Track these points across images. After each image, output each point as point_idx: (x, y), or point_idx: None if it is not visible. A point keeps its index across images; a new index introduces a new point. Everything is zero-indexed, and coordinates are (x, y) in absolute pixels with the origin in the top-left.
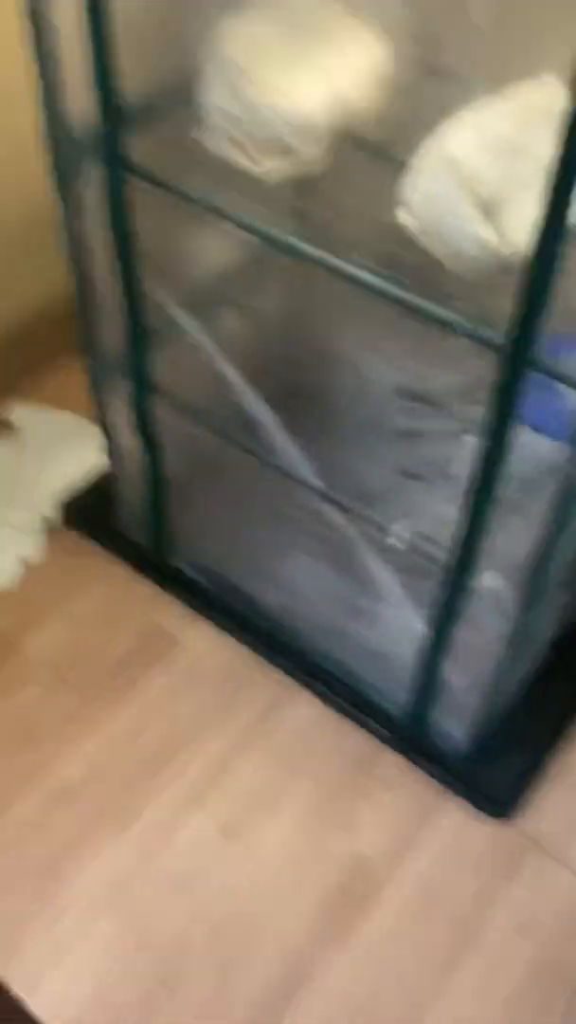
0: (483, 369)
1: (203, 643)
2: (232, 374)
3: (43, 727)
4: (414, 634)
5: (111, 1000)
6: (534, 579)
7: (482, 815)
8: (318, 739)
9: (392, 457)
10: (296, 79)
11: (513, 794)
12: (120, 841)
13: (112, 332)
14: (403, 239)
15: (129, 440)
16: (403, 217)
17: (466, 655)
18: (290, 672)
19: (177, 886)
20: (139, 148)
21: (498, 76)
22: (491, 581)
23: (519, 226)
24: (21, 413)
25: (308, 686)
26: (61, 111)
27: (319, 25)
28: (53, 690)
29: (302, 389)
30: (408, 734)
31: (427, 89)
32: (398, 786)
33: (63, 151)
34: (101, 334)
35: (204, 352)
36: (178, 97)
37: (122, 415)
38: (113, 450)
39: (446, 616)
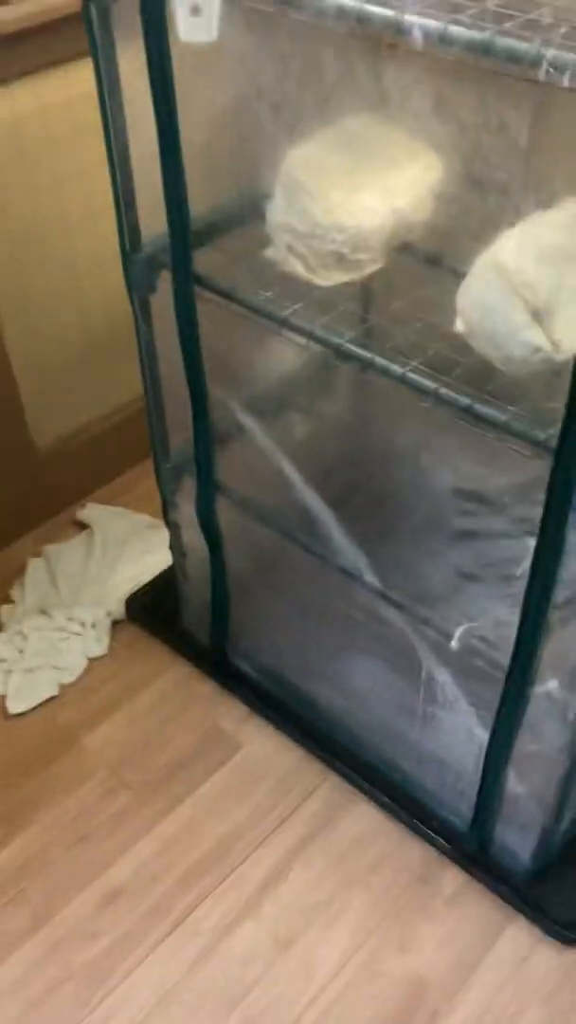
0: (538, 470)
1: (261, 745)
2: (293, 474)
3: (99, 827)
4: (475, 741)
5: None
6: None
7: (548, 939)
8: (377, 850)
9: (450, 558)
10: (356, 196)
11: None
12: (170, 947)
13: (179, 434)
14: (460, 345)
15: (193, 538)
16: (458, 324)
17: (529, 765)
18: (349, 778)
19: (227, 997)
20: (208, 262)
21: (547, 189)
22: (551, 686)
23: (571, 331)
24: (94, 513)
25: (367, 793)
26: (136, 229)
27: (377, 145)
28: (111, 789)
29: (362, 490)
30: (471, 849)
31: (479, 203)
32: (460, 904)
33: (138, 265)
34: (169, 436)
35: (267, 453)
36: (246, 215)
37: (187, 514)
38: (178, 548)
39: (506, 722)
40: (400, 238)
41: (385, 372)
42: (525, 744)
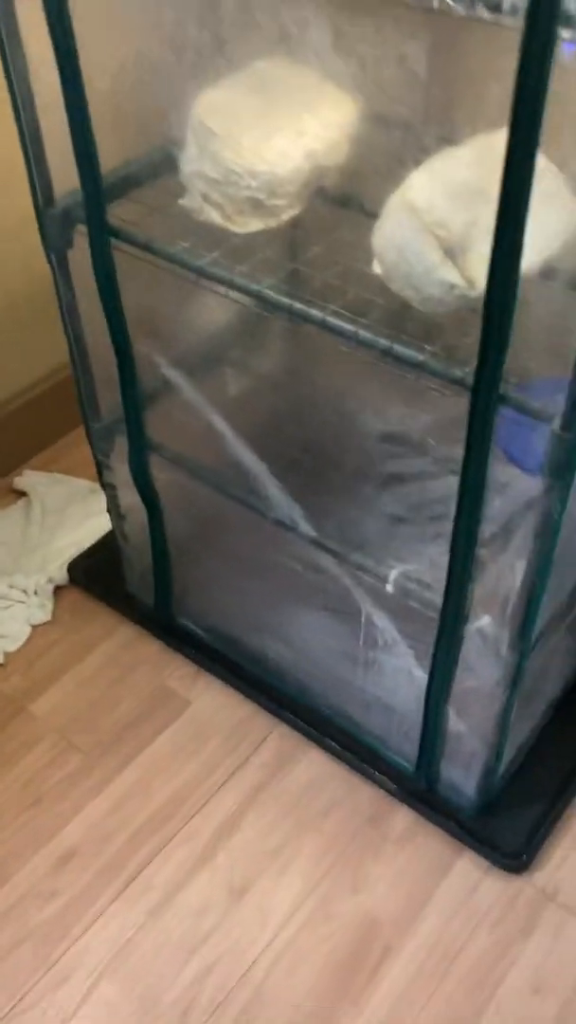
0: (459, 408)
1: (210, 700)
2: (226, 429)
3: (51, 790)
4: (416, 683)
5: None
6: (524, 618)
7: (496, 870)
8: (328, 795)
9: (381, 503)
10: (268, 141)
11: (527, 847)
12: (125, 902)
13: (108, 394)
14: (379, 287)
15: (131, 500)
16: (375, 266)
17: (468, 702)
18: (298, 727)
19: (184, 948)
20: (124, 214)
21: (448, 123)
22: (483, 623)
23: (485, 268)
24: (31, 479)
25: (316, 741)
26: (47, 183)
27: (290, 88)
28: (60, 752)
29: (294, 442)
30: (418, 788)
31: (389, 142)
32: (410, 842)
33: (52, 221)
34: (99, 396)
35: (199, 409)
36: (160, 165)
37: (123, 475)
38: (115, 510)
39: (443, 661)
40: (317, 182)
41: (305, 317)
42: (463, 682)
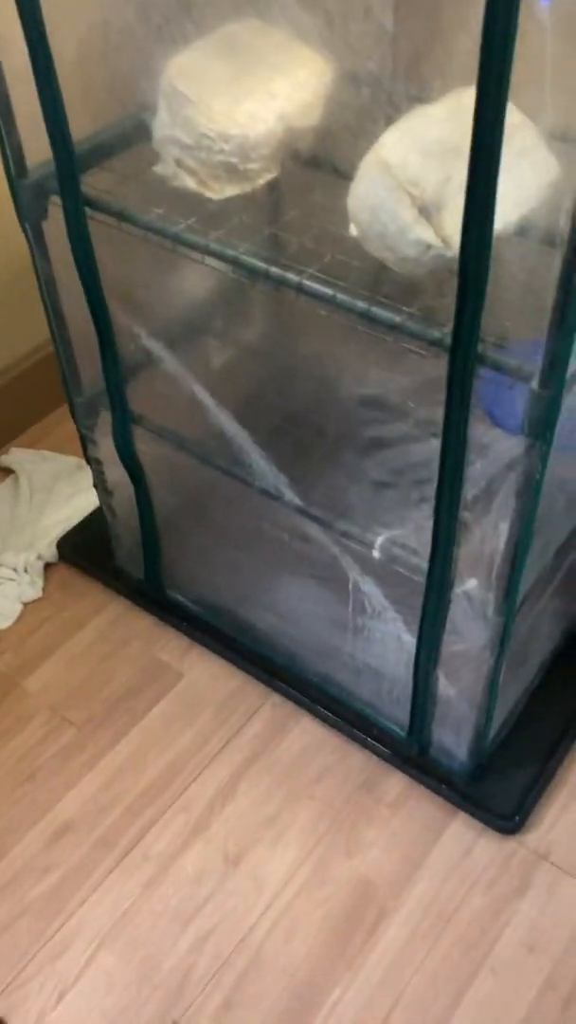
0: (438, 369)
1: (202, 673)
2: (209, 400)
3: (44, 765)
4: (405, 648)
5: None
6: (509, 580)
7: (489, 831)
8: (320, 762)
9: (365, 468)
10: (240, 104)
11: (519, 808)
12: (122, 874)
13: (90, 367)
14: (355, 250)
15: (117, 475)
16: (352, 228)
17: (456, 666)
18: (290, 696)
19: (181, 917)
20: (99, 183)
21: (416, 77)
22: (470, 586)
23: (458, 226)
24: (17, 457)
25: (309, 709)
26: (20, 154)
27: (261, 50)
28: (54, 727)
29: (278, 411)
30: (410, 753)
31: (360, 100)
32: (403, 807)
33: (25, 191)
34: (80, 370)
35: (181, 380)
36: (133, 132)
37: (108, 450)
38: (102, 485)
39: (431, 625)
40: (291, 145)
41: (281, 281)
42: (451, 645)
